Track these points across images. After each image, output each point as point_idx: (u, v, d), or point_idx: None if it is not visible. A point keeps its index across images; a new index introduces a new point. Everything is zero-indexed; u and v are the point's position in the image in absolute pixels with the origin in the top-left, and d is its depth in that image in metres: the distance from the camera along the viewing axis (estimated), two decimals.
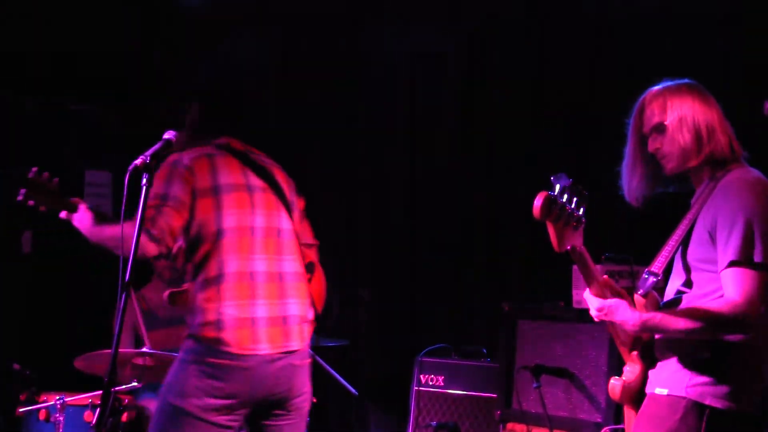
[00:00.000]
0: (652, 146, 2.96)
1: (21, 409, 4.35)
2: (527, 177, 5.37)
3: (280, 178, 3.51)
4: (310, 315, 3.42)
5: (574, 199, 2.68)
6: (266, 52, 6.02)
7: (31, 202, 3.26)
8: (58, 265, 5.94)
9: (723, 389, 2.76)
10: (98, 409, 2.79)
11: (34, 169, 3.28)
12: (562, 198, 2.65)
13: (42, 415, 4.32)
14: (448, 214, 5.76)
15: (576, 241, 2.75)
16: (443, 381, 5.00)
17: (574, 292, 4.63)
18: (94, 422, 3.02)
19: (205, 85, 3.67)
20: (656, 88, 3.01)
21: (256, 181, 3.41)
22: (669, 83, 3.01)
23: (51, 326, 5.69)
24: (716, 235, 2.77)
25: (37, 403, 4.34)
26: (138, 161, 2.90)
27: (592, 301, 2.88)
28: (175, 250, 3.30)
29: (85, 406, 4.29)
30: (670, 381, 2.83)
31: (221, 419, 3.19)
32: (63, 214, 3.32)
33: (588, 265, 2.83)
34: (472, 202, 5.69)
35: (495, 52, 5.64)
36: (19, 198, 3.25)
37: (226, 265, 3.24)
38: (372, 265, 5.99)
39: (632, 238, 4.65)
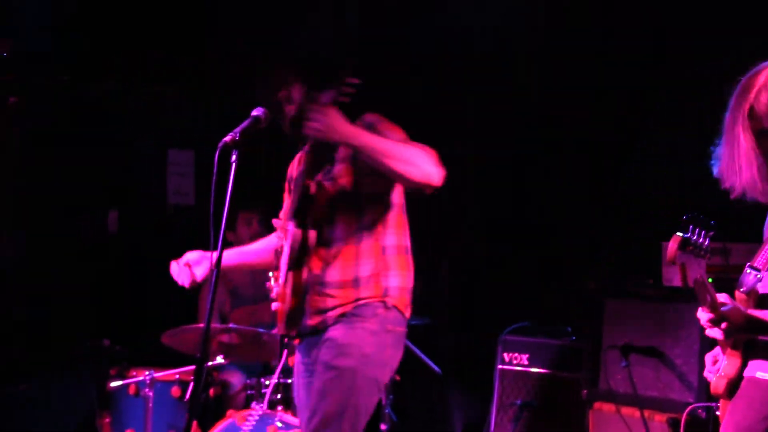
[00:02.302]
0: None
1: (112, 384, 4.44)
2: (616, 154, 5.27)
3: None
4: None
5: (703, 232, 2.67)
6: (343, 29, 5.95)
7: None
8: (145, 243, 6.04)
9: None
10: (192, 383, 2.81)
11: None
12: (694, 236, 2.65)
13: (132, 390, 4.41)
14: (534, 191, 5.68)
15: (700, 271, 2.66)
16: (527, 360, 4.93)
17: (664, 269, 4.53)
18: (188, 396, 3.07)
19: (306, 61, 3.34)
20: (760, 78, 2.65)
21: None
22: None
23: (140, 303, 5.79)
24: None
25: (127, 378, 4.44)
26: (228, 138, 2.88)
27: (705, 318, 2.71)
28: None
29: (173, 382, 4.35)
30: None
31: None
32: None
33: (709, 292, 2.66)
34: (559, 179, 5.59)
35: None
36: None
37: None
38: (456, 244, 5.95)
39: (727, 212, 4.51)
